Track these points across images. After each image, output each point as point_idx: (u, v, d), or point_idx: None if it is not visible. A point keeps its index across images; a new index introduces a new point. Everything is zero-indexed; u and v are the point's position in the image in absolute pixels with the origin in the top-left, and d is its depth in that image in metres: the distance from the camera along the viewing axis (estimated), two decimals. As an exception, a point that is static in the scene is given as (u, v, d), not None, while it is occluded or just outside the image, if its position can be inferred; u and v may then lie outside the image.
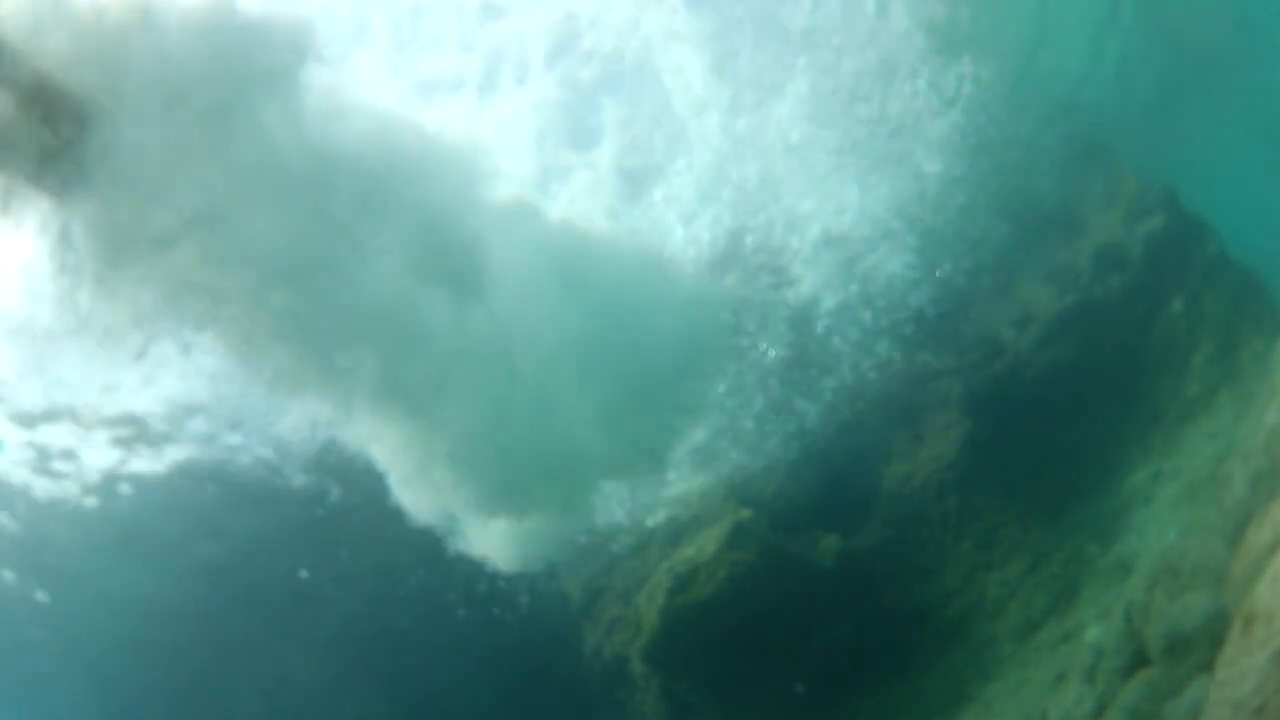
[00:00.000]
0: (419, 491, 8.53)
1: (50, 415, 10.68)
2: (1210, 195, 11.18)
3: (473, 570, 10.42)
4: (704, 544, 9.58)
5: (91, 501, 11.83)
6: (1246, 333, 9.43)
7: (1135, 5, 11.64)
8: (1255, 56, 12.70)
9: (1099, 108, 12.34)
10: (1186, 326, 9.74)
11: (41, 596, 12.59)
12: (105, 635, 12.83)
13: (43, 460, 11.25)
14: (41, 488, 11.57)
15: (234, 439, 11.59)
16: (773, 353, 10.66)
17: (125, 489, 11.79)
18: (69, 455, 11.26)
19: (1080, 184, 11.21)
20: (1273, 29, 12.26)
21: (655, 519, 10.74)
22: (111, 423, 11.01)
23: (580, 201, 10.84)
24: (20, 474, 11.38)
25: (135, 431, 11.18)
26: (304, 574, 12.29)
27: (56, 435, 10.94)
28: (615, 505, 10.48)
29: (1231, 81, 13.04)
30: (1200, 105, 13.27)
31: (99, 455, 11.35)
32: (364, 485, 10.54)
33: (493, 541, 9.74)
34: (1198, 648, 5.50)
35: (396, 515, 8.86)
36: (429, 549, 10.04)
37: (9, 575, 12.34)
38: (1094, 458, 9.46)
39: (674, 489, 10.77)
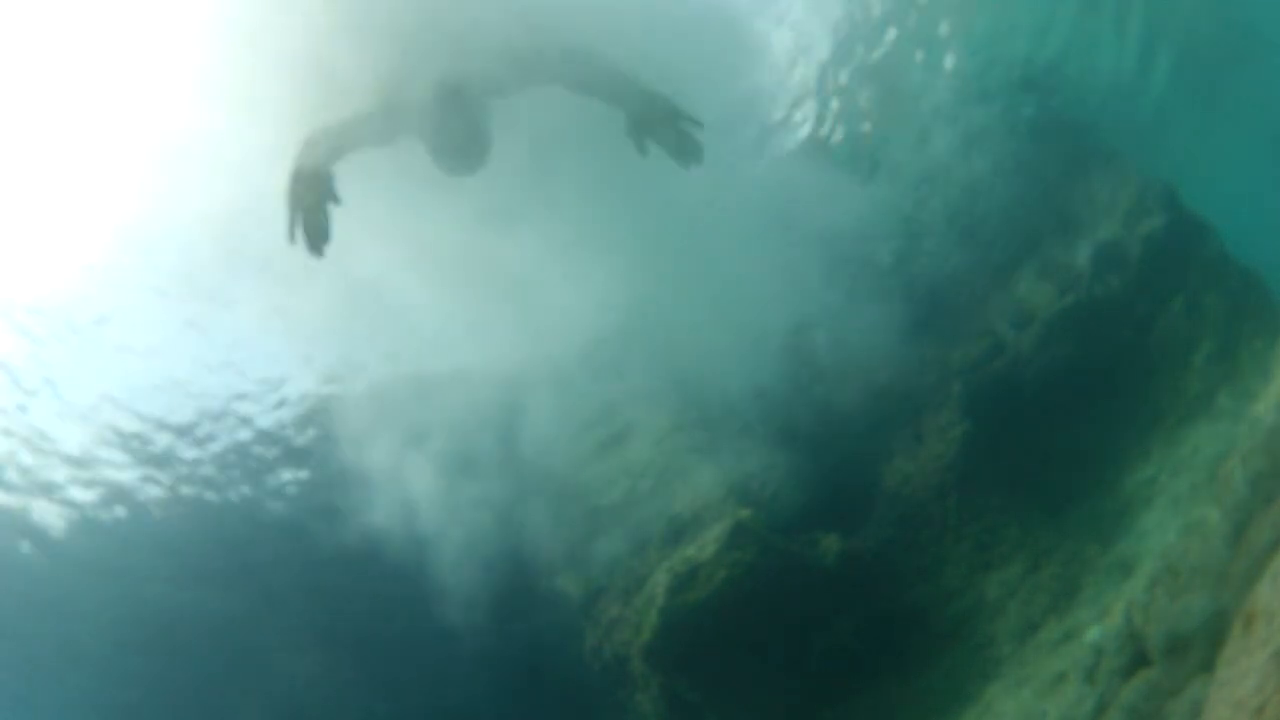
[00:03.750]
0: None
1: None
2: (1211, 195, 11.19)
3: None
4: (704, 544, 9.58)
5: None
6: (1246, 332, 9.42)
7: (1137, 4, 11.65)
8: (1256, 56, 12.70)
9: (1099, 107, 12.34)
10: (1186, 326, 9.74)
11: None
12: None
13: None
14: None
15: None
16: None
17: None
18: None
19: (1080, 183, 11.21)
20: (1273, 29, 12.26)
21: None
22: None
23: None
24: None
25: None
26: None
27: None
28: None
29: (1232, 80, 13.04)
30: (1201, 104, 13.27)
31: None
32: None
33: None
34: (1198, 648, 5.49)
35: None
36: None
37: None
38: (1094, 457, 9.45)
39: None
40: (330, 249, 4.75)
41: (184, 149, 6.87)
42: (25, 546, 11.87)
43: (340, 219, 4.89)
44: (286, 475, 12.25)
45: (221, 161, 6.39)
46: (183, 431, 11.64)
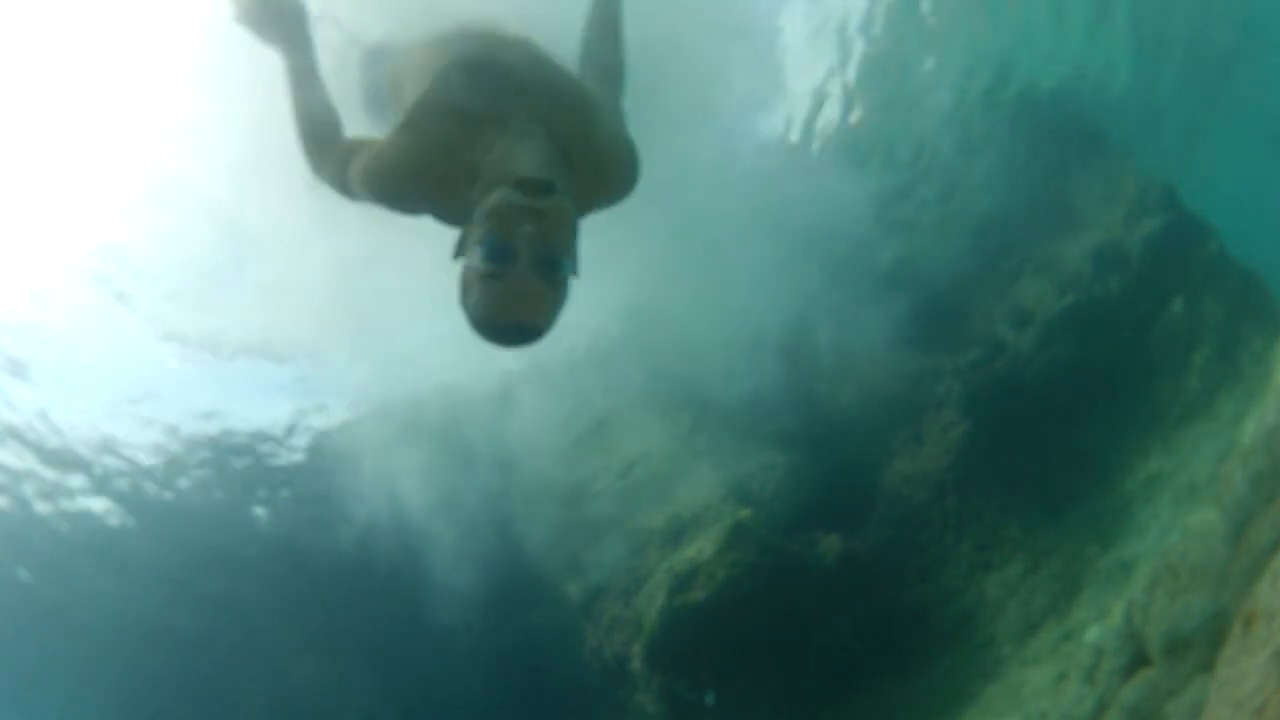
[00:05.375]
0: None
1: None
2: (1211, 195, 11.19)
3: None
4: (704, 544, 9.58)
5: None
6: (1246, 333, 9.42)
7: (1135, 3, 11.66)
8: (1256, 55, 12.70)
9: (1099, 106, 12.34)
10: (1186, 326, 9.74)
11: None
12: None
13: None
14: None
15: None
16: None
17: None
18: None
19: (1080, 184, 11.21)
20: (1273, 29, 12.26)
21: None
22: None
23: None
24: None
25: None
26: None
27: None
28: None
29: (1233, 80, 13.03)
30: (1201, 104, 13.27)
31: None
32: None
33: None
34: (1198, 648, 5.50)
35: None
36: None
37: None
38: (1094, 457, 9.45)
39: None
40: (322, 221, 3.17)
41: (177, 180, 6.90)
42: (23, 550, 11.90)
43: (336, 219, 4.74)
44: (283, 477, 12.24)
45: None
46: (179, 432, 11.63)
